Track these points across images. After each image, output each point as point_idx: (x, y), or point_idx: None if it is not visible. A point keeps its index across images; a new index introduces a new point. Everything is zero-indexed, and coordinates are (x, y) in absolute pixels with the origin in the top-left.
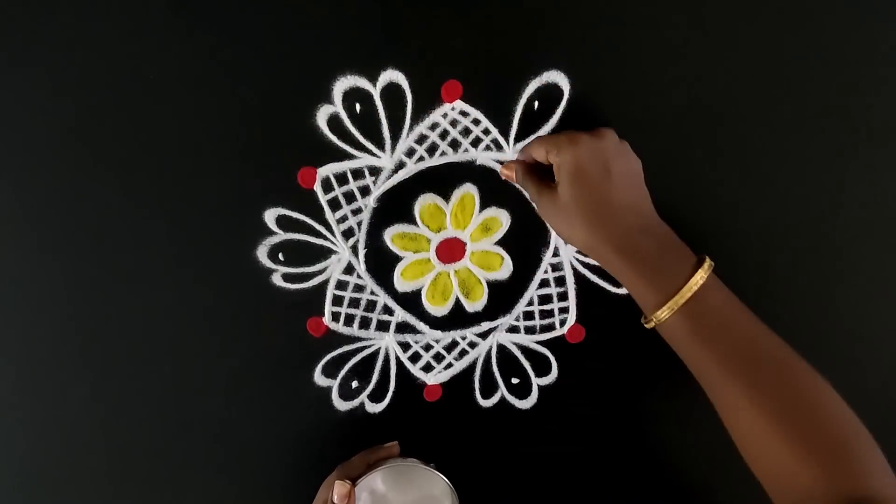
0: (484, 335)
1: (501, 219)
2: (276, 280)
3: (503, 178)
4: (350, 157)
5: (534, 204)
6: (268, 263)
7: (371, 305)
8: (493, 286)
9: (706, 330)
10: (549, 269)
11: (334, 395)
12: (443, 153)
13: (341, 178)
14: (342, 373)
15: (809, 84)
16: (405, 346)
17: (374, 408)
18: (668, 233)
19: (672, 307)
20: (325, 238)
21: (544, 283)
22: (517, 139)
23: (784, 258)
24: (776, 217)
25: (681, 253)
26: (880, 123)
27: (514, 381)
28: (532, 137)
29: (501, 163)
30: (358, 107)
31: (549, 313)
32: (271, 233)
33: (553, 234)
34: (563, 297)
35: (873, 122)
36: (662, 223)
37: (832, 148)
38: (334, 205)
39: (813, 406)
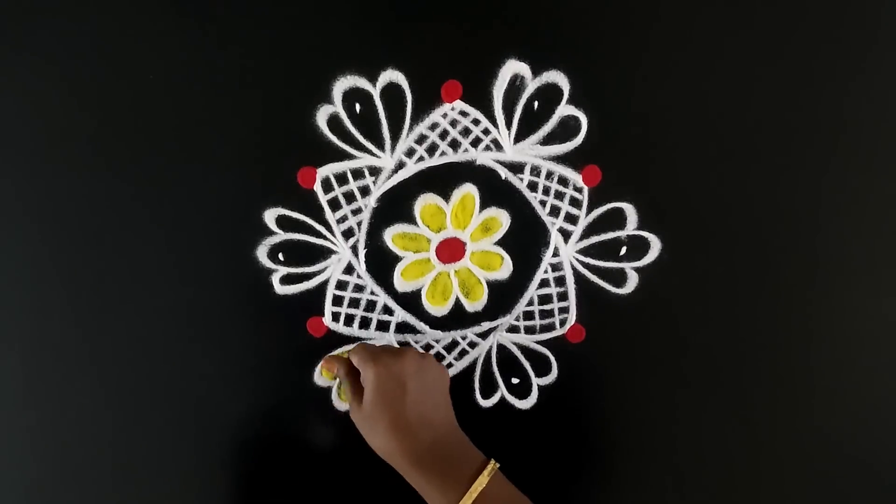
0: (484, 335)
1: (501, 219)
2: (276, 280)
3: (321, 367)
4: (350, 157)
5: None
6: (268, 263)
7: (371, 305)
8: (493, 286)
9: None
10: (549, 269)
11: (334, 395)
12: (443, 153)
13: (341, 178)
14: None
15: (810, 84)
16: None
17: None
18: (458, 440)
19: None
20: (325, 238)
21: (544, 283)
22: (517, 139)
23: (783, 257)
24: (776, 216)
25: (467, 460)
26: (879, 124)
27: (514, 381)
28: (350, 348)
29: (502, 163)
30: (358, 107)
31: (549, 313)
32: (271, 233)
33: (553, 233)
34: (563, 297)
35: (874, 124)
36: (456, 432)
37: (834, 148)
38: (334, 205)
39: None
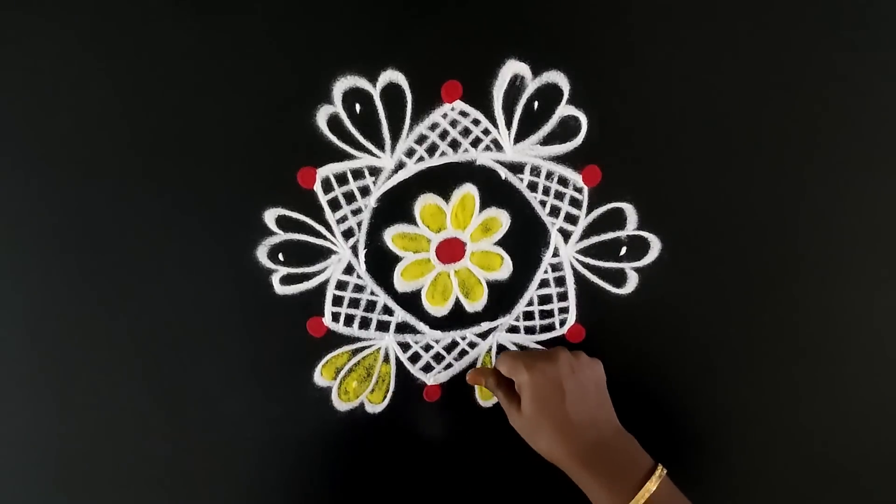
0: (484, 335)
1: (501, 219)
2: (276, 280)
3: (469, 381)
4: (350, 157)
5: (506, 414)
6: (268, 263)
7: (371, 306)
8: (493, 286)
9: None
10: (549, 269)
11: (334, 395)
12: (443, 153)
13: (341, 178)
14: (342, 373)
15: (812, 84)
16: (405, 347)
17: (373, 408)
18: (625, 442)
19: None
20: (325, 238)
21: (544, 284)
22: (517, 139)
23: (784, 257)
24: (775, 216)
25: (636, 463)
26: (878, 124)
27: None
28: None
29: (502, 163)
30: (358, 107)
31: (549, 313)
32: (271, 233)
33: (553, 233)
34: (562, 297)
35: (873, 123)
36: (620, 431)
37: (834, 148)
38: (334, 205)
39: None
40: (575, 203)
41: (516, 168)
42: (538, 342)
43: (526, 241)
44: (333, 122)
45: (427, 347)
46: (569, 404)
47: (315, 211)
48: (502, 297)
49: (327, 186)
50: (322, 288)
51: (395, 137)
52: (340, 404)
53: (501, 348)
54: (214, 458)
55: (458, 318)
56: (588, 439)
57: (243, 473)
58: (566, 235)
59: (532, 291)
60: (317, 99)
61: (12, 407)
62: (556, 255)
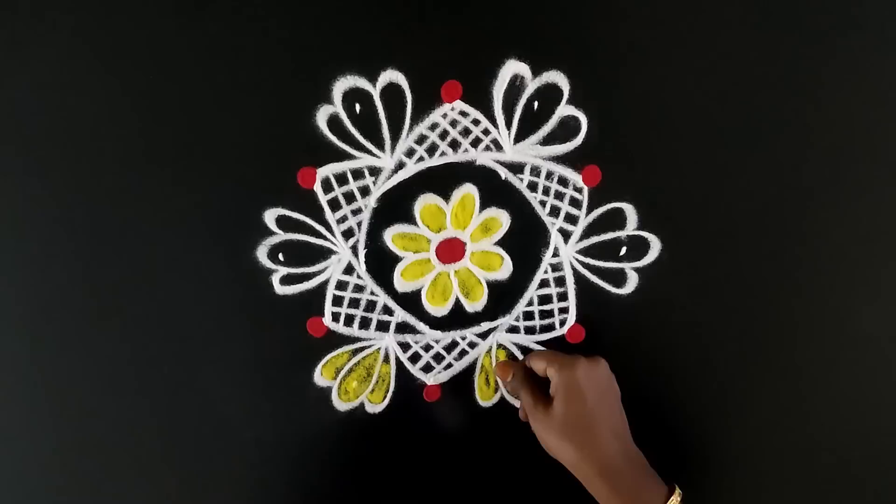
0: (484, 335)
1: (501, 219)
2: (276, 280)
3: (496, 375)
4: (350, 157)
5: (528, 414)
6: (268, 264)
7: (371, 306)
8: (493, 286)
9: None
10: (549, 269)
11: (334, 395)
12: (443, 153)
13: (341, 179)
14: (342, 373)
15: (809, 84)
16: (405, 347)
17: (373, 408)
18: (643, 460)
19: None
20: (325, 238)
21: (544, 284)
22: (517, 139)
23: (783, 257)
24: (775, 217)
25: (654, 482)
26: (879, 125)
27: None
28: (536, 348)
29: (501, 163)
30: (358, 107)
31: (549, 313)
32: (271, 233)
33: (553, 233)
34: (562, 297)
35: (874, 124)
36: (637, 450)
37: (834, 149)
38: (334, 205)
39: None
40: (575, 203)
41: (516, 168)
42: (538, 342)
43: (526, 241)
44: (333, 122)
45: (427, 347)
46: (602, 409)
47: (315, 211)
48: (502, 297)
49: (327, 186)
50: (322, 288)
51: (395, 137)
52: (340, 404)
53: (502, 349)
54: (215, 457)
55: (458, 318)
56: (612, 449)
57: (243, 473)
58: (566, 235)
59: (532, 291)
60: (317, 99)
61: (13, 407)
62: (556, 255)
